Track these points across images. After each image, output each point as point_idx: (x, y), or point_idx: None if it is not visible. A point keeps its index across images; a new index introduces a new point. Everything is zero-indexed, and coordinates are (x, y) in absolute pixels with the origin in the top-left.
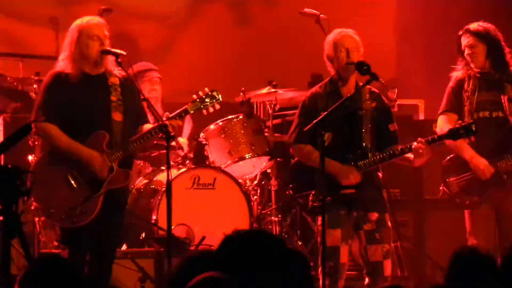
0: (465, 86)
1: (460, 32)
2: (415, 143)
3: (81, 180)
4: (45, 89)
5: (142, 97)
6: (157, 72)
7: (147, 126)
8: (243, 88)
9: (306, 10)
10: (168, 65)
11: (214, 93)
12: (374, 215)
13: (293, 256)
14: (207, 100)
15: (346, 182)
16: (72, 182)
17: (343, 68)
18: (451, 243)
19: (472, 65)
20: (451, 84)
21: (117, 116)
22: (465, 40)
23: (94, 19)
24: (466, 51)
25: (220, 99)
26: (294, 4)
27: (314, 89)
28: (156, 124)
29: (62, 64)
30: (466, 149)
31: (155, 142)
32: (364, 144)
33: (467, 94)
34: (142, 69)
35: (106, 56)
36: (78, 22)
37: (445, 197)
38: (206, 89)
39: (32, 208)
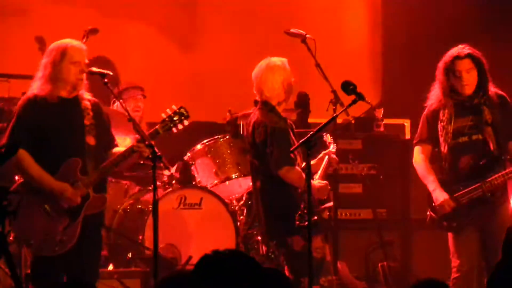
0: (440, 115)
1: (455, 54)
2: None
3: (59, 209)
4: (17, 114)
5: (128, 116)
6: (141, 90)
7: (118, 150)
8: (230, 108)
9: (292, 30)
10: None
11: (182, 110)
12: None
13: (270, 275)
14: (175, 118)
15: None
16: (50, 211)
17: (285, 100)
18: (438, 263)
19: (465, 90)
20: (425, 112)
21: (91, 140)
22: (466, 65)
23: (77, 44)
24: (463, 75)
25: (188, 115)
26: None
27: (271, 117)
28: (129, 146)
29: (38, 84)
30: (430, 181)
31: (141, 161)
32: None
33: (442, 124)
34: (125, 86)
35: (82, 81)
36: (60, 43)
37: (432, 221)
38: (174, 107)
39: (11, 238)
